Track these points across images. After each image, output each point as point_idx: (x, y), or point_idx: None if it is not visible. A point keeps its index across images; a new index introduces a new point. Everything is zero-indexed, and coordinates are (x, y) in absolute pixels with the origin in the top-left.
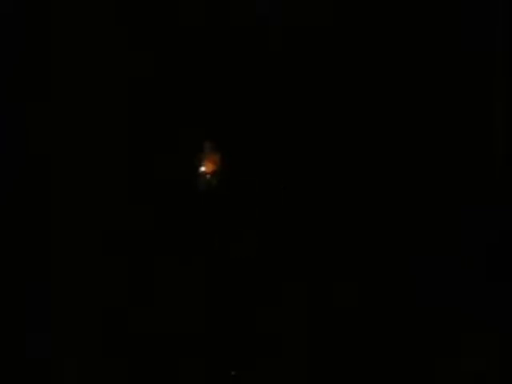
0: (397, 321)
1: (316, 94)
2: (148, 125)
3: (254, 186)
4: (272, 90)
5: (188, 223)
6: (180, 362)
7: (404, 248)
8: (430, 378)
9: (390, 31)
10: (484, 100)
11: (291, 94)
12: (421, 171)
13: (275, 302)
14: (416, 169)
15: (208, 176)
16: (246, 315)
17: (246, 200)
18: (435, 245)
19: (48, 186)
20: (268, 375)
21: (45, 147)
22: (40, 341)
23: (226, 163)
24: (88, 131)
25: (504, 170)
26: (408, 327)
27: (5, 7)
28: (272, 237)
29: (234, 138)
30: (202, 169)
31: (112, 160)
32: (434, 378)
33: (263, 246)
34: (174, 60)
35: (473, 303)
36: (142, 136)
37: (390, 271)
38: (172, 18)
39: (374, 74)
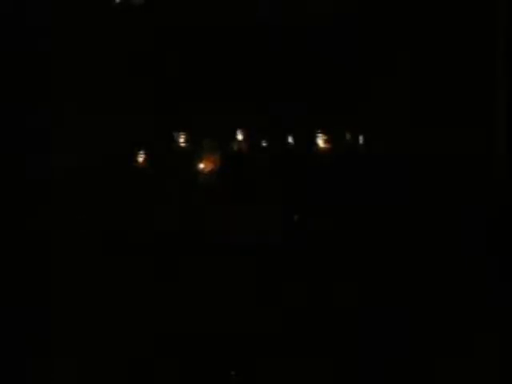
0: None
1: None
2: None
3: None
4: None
5: (187, 221)
6: (180, 361)
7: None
8: (430, 377)
9: (390, 29)
10: (485, 100)
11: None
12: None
13: (275, 302)
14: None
15: (205, 174)
16: (245, 315)
17: (246, 199)
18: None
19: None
20: (268, 375)
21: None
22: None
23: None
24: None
25: (504, 170)
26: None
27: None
28: (272, 236)
29: (232, 135)
30: (201, 166)
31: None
32: (435, 378)
33: (264, 245)
34: (175, 57)
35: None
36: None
37: (389, 271)
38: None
39: (374, 71)
